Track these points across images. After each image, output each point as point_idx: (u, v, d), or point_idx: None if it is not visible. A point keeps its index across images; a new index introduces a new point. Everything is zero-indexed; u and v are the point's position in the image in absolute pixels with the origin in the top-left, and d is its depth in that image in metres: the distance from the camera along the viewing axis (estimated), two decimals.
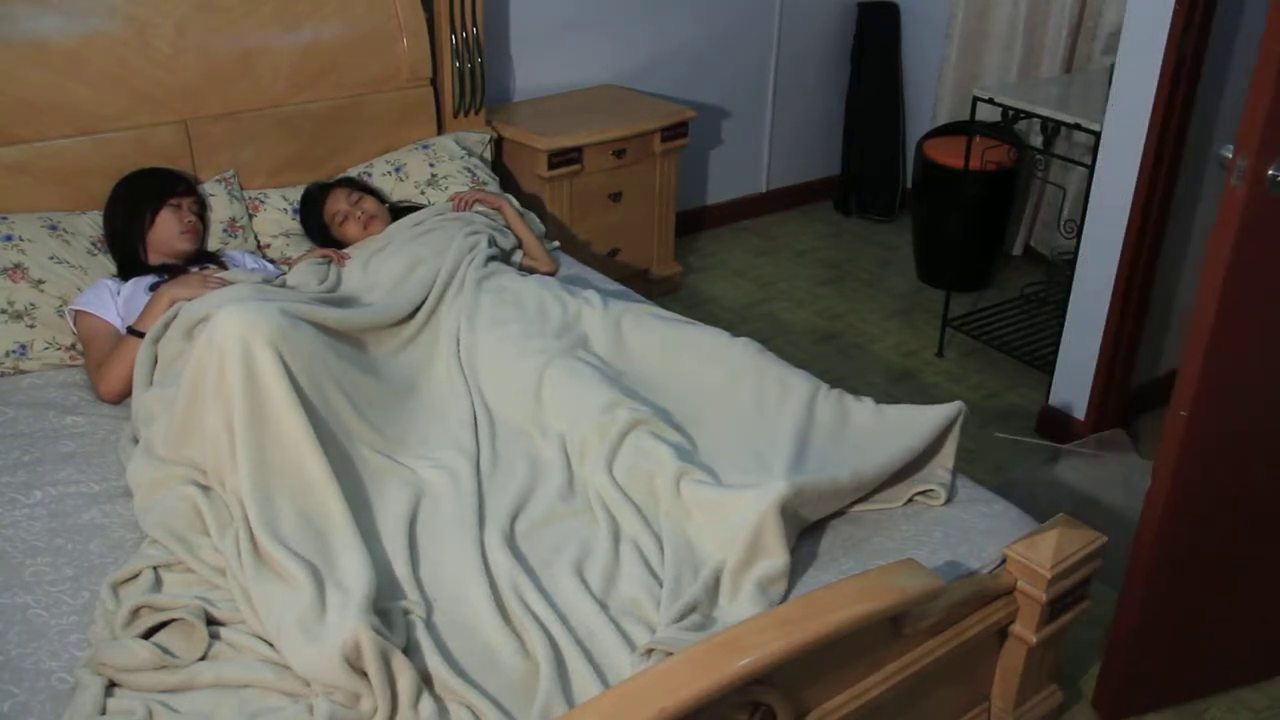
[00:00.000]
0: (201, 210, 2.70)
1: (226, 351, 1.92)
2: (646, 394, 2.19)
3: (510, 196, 3.05)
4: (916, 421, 2.05)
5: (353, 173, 3.09)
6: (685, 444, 2.04)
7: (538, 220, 3.09)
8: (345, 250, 2.71)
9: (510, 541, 1.85)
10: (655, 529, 1.89)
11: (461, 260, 2.53)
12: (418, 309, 2.38)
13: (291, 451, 1.89)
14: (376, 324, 2.29)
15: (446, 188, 3.10)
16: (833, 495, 1.92)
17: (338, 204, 2.80)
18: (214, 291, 2.29)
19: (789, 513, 1.81)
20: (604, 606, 1.73)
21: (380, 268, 2.55)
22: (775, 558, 1.77)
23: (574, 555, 1.83)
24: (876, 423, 2.10)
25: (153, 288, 2.43)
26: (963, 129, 3.82)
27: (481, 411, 2.20)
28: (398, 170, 3.10)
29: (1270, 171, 1.71)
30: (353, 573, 1.71)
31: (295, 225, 2.92)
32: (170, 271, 2.52)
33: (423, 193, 3.08)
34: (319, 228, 2.83)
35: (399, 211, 2.92)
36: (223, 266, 2.62)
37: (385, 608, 1.68)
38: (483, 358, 2.30)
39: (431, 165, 3.14)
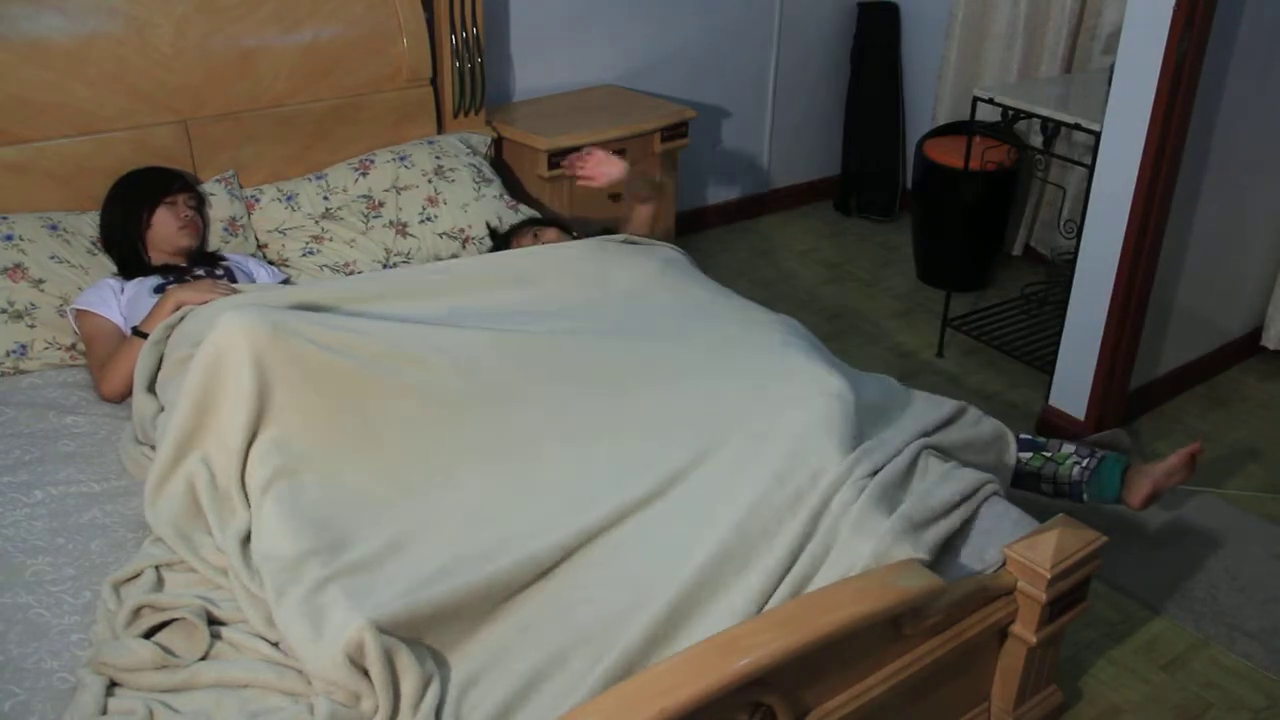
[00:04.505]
0: (199, 204, 2.70)
1: (234, 351, 1.92)
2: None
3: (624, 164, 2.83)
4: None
5: (354, 161, 3.08)
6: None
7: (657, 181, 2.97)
8: None
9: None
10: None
11: None
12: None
13: (299, 452, 1.89)
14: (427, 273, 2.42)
15: (454, 180, 3.10)
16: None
17: (522, 240, 2.82)
18: (223, 298, 2.27)
19: None
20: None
21: None
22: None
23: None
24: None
25: (158, 289, 2.42)
26: (963, 129, 3.82)
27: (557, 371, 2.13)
28: (403, 160, 3.10)
29: None
30: (362, 572, 1.71)
31: (291, 220, 2.91)
32: (174, 272, 2.52)
33: (430, 181, 3.08)
34: None
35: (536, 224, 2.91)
36: (224, 268, 2.61)
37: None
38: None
39: (438, 158, 3.14)
